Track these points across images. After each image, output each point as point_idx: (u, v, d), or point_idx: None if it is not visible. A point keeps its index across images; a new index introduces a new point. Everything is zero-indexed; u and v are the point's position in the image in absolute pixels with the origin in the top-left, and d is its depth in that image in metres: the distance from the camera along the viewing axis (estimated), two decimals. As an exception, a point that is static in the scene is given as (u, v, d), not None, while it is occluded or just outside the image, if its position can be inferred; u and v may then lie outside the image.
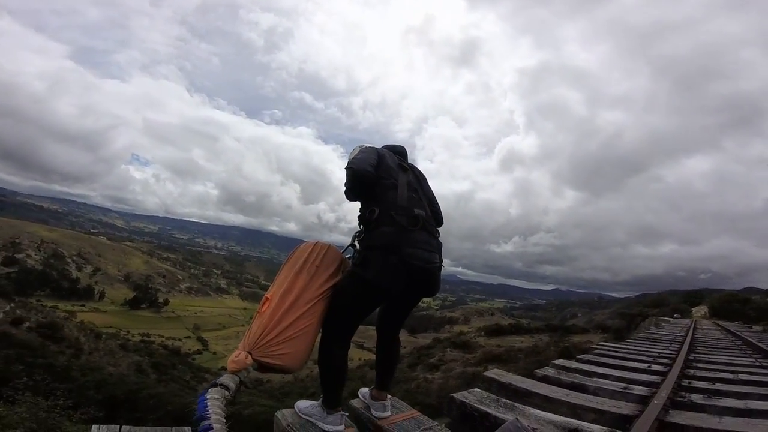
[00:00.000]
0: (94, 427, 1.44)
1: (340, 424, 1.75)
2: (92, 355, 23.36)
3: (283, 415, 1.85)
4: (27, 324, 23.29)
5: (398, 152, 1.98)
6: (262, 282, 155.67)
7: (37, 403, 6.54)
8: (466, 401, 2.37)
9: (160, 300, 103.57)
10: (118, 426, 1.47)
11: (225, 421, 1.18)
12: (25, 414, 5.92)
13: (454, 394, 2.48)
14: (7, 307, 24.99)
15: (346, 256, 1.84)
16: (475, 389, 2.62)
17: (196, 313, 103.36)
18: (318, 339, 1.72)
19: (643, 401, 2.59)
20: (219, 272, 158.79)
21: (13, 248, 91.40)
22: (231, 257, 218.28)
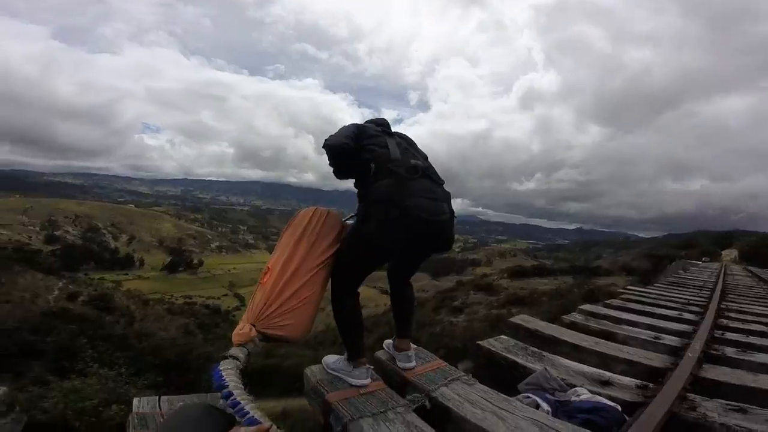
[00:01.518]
0: (136, 400, 1.57)
1: (366, 378, 1.75)
2: (143, 321, 24.91)
3: (312, 371, 1.87)
4: (81, 298, 24.81)
5: (380, 124, 1.92)
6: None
7: (104, 374, 6.98)
8: (494, 349, 2.35)
9: (195, 261, 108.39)
10: (157, 397, 1.60)
11: (243, 387, 1.23)
12: (96, 386, 6.37)
13: (480, 342, 2.45)
14: (60, 284, 26.70)
15: (349, 222, 1.82)
16: (502, 336, 2.59)
17: (229, 270, 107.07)
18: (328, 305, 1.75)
19: (675, 353, 2.55)
20: (245, 228, 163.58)
21: (51, 226, 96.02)
22: (254, 212, 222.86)
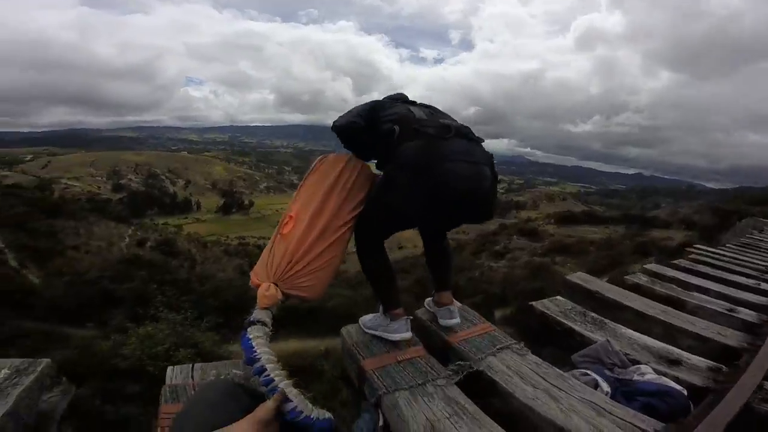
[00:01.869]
0: (169, 369, 1.54)
1: (406, 331, 1.62)
2: (204, 264, 26.90)
3: (348, 332, 1.75)
4: (149, 243, 27.20)
5: (398, 97, 1.75)
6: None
7: (172, 318, 7.58)
8: (548, 312, 2.14)
9: (246, 202, 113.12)
10: (190, 365, 1.57)
11: (276, 359, 1.13)
12: (166, 330, 6.98)
13: (533, 303, 2.26)
14: (130, 231, 29.50)
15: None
16: (558, 298, 2.37)
17: (277, 210, 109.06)
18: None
19: (752, 330, 2.27)
20: (290, 169, 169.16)
21: (116, 176, 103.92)
22: (298, 154, 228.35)
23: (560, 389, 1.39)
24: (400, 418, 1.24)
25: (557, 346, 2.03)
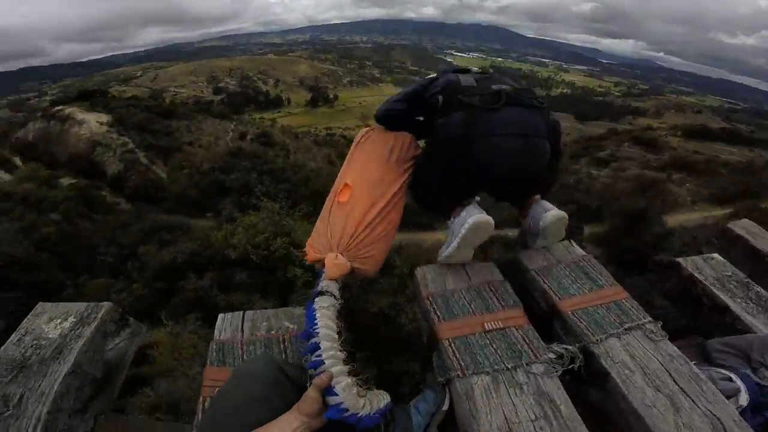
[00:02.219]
0: (220, 317, 1.45)
1: (477, 213, 1.31)
2: (296, 154, 29.05)
3: (423, 275, 1.41)
4: (249, 136, 29.93)
5: (451, 69, 1.60)
6: (410, 67, 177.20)
7: (270, 207, 8.15)
8: (699, 277, 1.59)
9: (331, 96, 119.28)
10: (242, 312, 1.46)
11: (337, 336, 1.01)
12: (266, 219, 7.65)
13: (680, 260, 1.70)
14: (232, 126, 32.57)
15: None
16: (715, 256, 1.74)
17: (360, 103, 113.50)
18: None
19: None
20: (370, 63, 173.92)
21: (215, 81, 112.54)
22: (378, 48, 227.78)
23: (688, 395, 1.02)
24: (471, 413, 0.98)
25: (688, 318, 1.57)
